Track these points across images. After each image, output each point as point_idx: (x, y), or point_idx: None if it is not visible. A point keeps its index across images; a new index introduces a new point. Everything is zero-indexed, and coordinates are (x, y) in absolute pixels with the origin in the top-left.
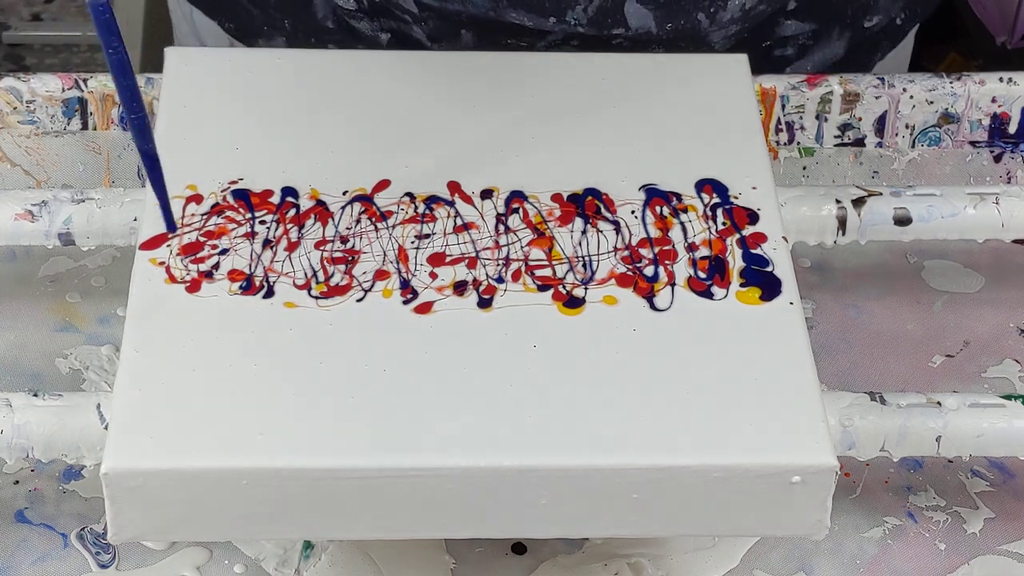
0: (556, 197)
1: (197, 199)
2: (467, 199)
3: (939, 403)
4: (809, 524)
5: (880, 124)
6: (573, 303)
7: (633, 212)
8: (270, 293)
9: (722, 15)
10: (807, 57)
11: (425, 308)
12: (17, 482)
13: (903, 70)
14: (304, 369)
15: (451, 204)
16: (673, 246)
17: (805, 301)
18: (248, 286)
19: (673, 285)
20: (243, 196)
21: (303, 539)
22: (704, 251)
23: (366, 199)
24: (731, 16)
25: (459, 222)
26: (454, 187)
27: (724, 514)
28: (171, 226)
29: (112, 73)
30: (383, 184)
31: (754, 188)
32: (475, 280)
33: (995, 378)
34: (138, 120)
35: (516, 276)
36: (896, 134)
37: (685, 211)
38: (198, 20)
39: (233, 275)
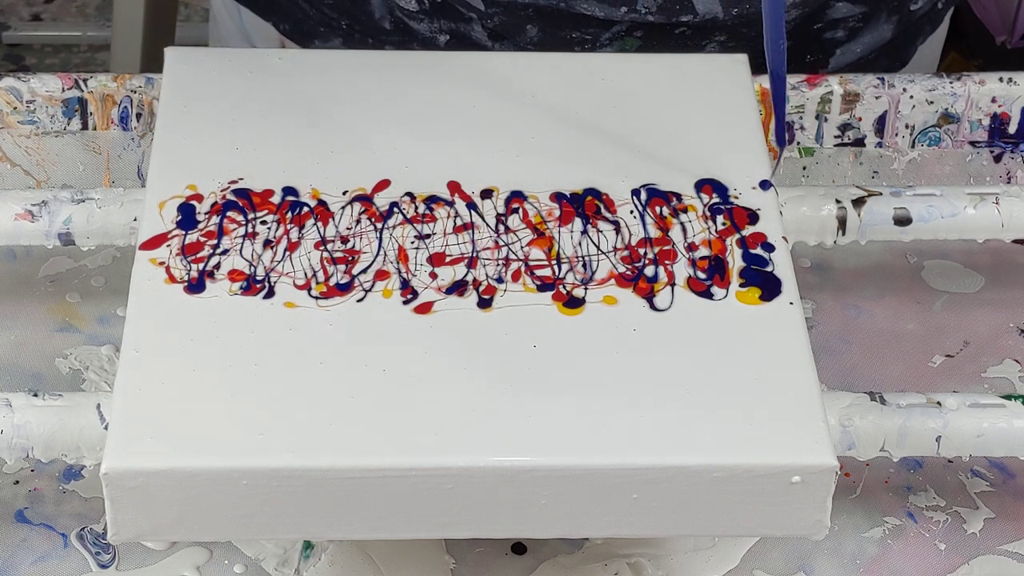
0: (556, 197)
1: (197, 199)
2: (467, 199)
3: (939, 403)
4: (809, 524)
5: (880, 124)
6: (573, 303)
7: (633, 212)
8: (270, 293)
9: None
10: (856, 40)
11: (425, 308)
12: (17, 482)
13: (937, 54)
14: (304, 369)
15: (451, 204)
16: (673, 246)
17: (805, 301)
18: (248, 286)
19: (673, 285)
20: (244, 196)
21: (303, 539)
22: (704, 251)
23: (366, 199)
24: (794, 0)
25: (459, 222)
26: (454, 187)
27: (724, 514)
28: (781, 140)
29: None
30: (383, 184)
31: (754, 188)
32: (475, 280)
33: (995, 378)
34: (782, 45)
35: (516, 276)
36: (896, 134)
37: (685, 211)
38: (247, 20)
39: (233, 275)
